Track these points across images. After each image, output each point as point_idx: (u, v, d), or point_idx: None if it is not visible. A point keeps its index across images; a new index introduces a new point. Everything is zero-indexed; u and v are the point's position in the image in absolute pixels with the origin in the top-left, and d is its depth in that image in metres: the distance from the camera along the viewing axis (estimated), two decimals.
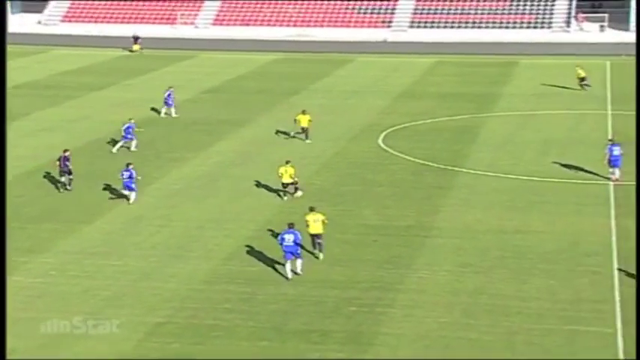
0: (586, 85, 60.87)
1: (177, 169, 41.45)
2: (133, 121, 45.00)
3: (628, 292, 26.91)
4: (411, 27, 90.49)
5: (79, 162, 40.13)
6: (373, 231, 32.83)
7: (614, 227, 32.86)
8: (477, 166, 41.44)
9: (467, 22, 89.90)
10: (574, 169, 40.54)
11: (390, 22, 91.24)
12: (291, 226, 28.68)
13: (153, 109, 54.17)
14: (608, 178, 38.65)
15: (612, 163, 38.56)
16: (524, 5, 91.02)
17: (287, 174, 36.85)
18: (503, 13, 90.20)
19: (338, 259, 29.93)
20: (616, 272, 28.52)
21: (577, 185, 38.40)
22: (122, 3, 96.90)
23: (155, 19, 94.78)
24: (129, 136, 44.25)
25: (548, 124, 50.83)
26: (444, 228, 33.12)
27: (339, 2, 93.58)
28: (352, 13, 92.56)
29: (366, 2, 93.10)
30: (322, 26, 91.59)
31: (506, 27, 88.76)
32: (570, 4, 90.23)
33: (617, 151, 38.64)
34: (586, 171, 40.10)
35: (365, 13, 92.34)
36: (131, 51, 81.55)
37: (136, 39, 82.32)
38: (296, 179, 36.83)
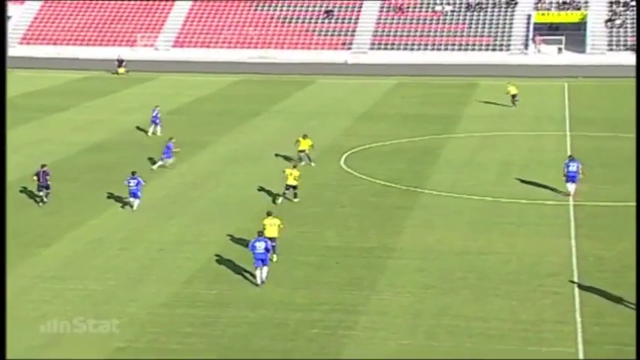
0: (516, 101, 62.44)
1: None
2: (173, 140, 45.73)
3: (589, 311, 27.07)
4: (372, 49, 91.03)
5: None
6: (335, 253, 32.71)
7: (575, 247, 33.08)
8: (439, 187, 41.58)
9: (427, 45, 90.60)
10: (534, 190, 40.85)
11: (350, 44, 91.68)
12: (260, 234, 29.74)
13: (111, 130, 53.75)
14: (565, 193, 39.16)
15: (568, 178, 39.30)
16: (483, 28, 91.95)
17: (292, 176, 37.96)
18: (462, 36, 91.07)
19: (300, 282, 29.77)
20: (577, 292, 28.69)
21: (537, 206, 38.65)
22: (82, 25, 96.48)
23: (115, 41, 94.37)
24: (169, 153, 45.30)
25: (508, 145, 51.24)
26: (406, 249, 33.11)
27: (299, 24, 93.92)
28: (313, 35, 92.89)
29: (326, 24, 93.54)
30: (283, 48, 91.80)
31: (466, 49, 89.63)
32: (528, 27, 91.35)
33: (573, 166, 39.39)
34: (546, 190, 40.45)
35: (325, 35, 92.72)
36: (116, 73, 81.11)
37: (120, 62, 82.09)
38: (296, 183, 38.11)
